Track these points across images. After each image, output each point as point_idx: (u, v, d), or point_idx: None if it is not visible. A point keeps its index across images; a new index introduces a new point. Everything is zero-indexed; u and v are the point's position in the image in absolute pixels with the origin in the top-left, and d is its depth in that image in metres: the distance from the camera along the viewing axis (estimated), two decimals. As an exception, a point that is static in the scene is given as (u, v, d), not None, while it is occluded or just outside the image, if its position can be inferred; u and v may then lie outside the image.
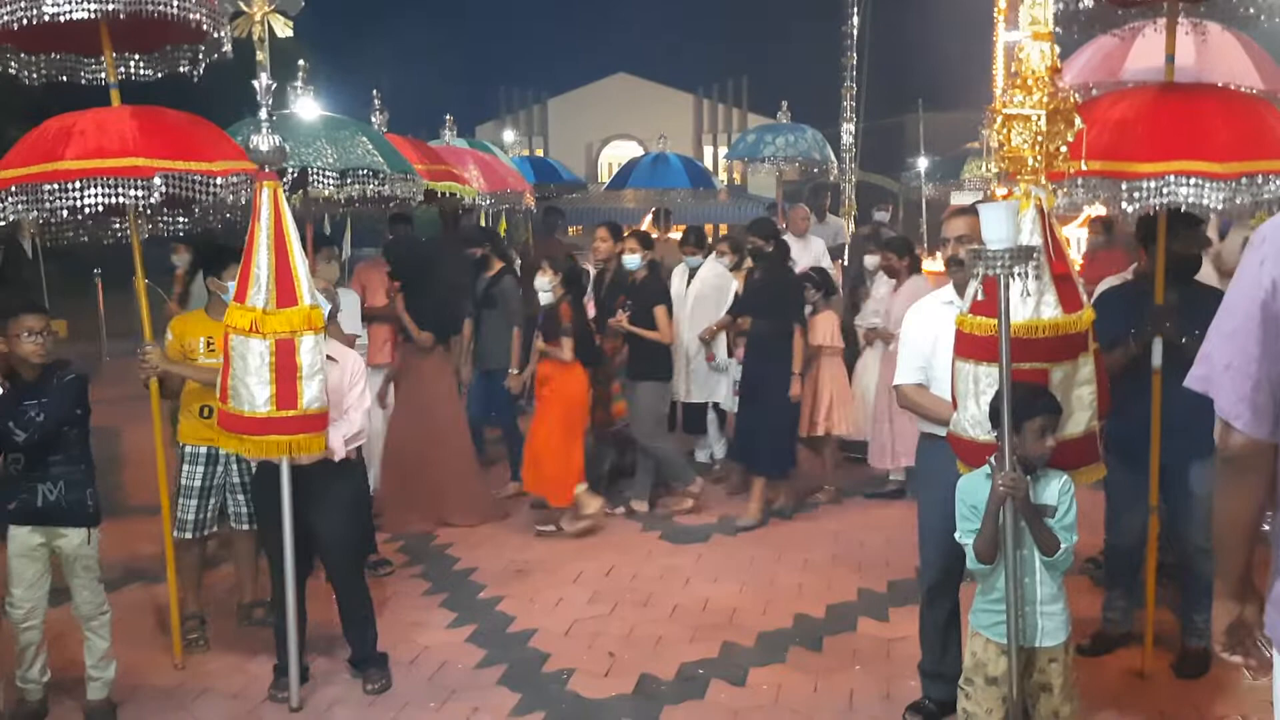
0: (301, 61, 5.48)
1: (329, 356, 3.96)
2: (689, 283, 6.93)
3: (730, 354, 6.82)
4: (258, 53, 3.71)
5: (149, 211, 4.33)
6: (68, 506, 3.72)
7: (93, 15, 3.72)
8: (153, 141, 3.87)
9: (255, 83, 3.75)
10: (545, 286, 6.05)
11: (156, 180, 3.77)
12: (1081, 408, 3.01)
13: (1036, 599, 2.97)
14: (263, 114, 3.77)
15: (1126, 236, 6.76)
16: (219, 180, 3.90)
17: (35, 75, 4.31)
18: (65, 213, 3.83)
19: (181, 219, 4.57)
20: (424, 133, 8.72)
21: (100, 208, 3.79)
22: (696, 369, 6.85)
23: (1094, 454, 3.11)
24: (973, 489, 3.02)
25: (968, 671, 3.12)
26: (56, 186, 3.73)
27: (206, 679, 4.21)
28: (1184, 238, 3.86)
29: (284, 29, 3.70)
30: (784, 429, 6.16)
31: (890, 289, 6.54)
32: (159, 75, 4.38)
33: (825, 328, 6.55)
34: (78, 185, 3.73)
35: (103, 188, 3.74)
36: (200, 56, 4.31)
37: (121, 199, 3.76)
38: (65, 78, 4.34)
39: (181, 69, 4.36)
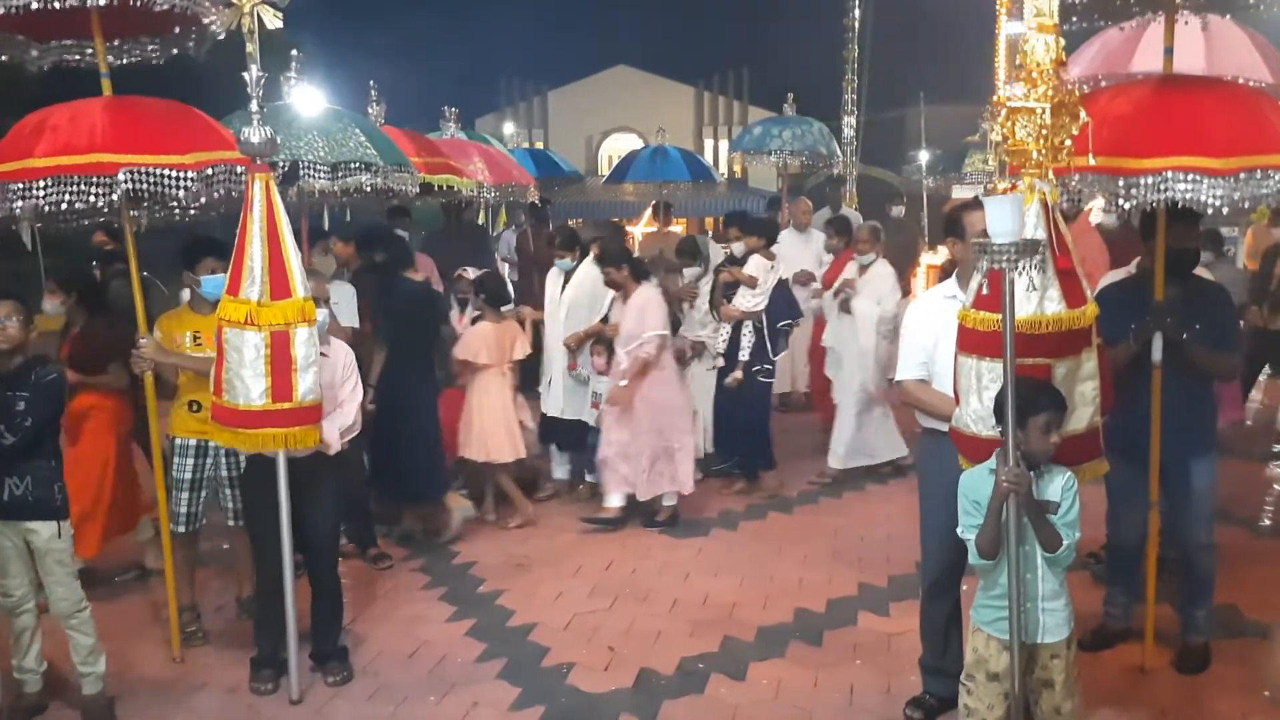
0: (295, 51, 5.45)
1: (320, 353, 3.95)
2: (563, 287, 6.43)
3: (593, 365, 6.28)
4: (247, 45, 3.67)
5: (144, 205, 4.30)
6: (34, 501, 3.68)
7: (80, 2, 3.67)
8: (121, 135, 3.78)
9: (245, 75, 3.72)
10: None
11: (121, 177, 3.69)
12: (1084, 403, 3.00)
13: (1039, 595, 2.96)
14: (253, 106, 3.73)
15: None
16: (191, 174, 3.79)
17: (42, 65, 4.27)
18: (39, 210, 3.74)
19: (190, 211, 4.53)
20: (423, 125, 8.68)
21: (69, 206, 3.70)
22: (569, 381, 6.36)
23: (1097, 450, 3.09)
24: (975, 484, 3.00)
25: (969, 667, 3.11)
26: (22, 186, 3.67)
27: (205, 672, 4.20)
28: (1180, 232, 3.84)
29: (273, 20, 3.66)
30: (412, 452, 5.60)
31: (620, 301, 6.02)
32: (156, 61, 4.32)
33: (480, 342, 5.89)
34: (43, 184, 3.65)
35: (65, 186, 3.66)
36: (196, 41, 4.25)
37: (86, 198, 3.67)
38: (63, 65, 4.30)
39: (179, 52, 4.31)
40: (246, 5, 3.66)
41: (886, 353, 6.68)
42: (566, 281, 6.43)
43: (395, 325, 5.59)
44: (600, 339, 6.18)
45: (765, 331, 6.44)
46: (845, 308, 6.79)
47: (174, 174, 3.77)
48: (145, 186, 3.73)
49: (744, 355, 6.45)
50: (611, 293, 6.17)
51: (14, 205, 3.70)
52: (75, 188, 3.67)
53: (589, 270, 6.40)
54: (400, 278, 5.76)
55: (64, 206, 3.69)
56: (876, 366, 6.73)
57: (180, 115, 4.11)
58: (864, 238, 6.91)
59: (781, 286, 6.56)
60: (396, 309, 5.63)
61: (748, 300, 6.46)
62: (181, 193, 3.79)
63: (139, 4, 3.72)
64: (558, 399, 6.40)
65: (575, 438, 6.43)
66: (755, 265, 6.51)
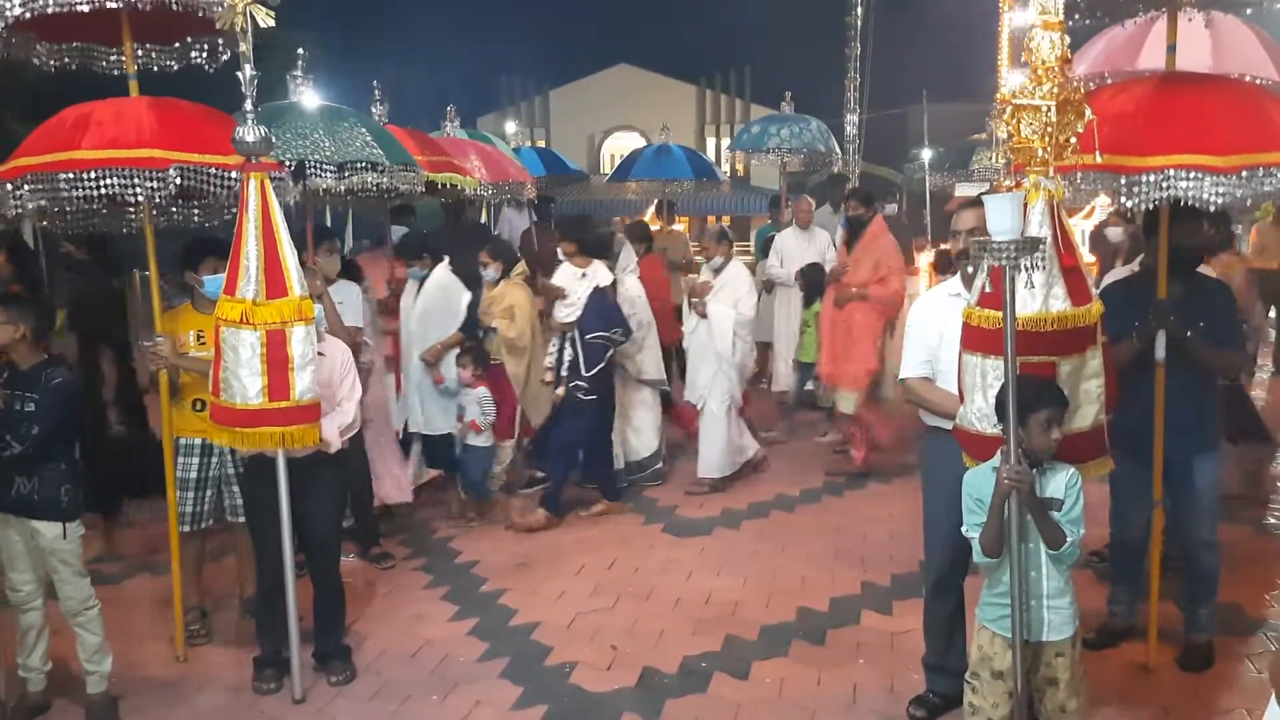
0: (301, 50, 5.45)
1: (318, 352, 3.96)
2: (416, 295, 6.20)
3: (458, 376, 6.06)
4: (240, 44, 3.69)
5: (162, 203, 4.32)
6: (40, 501, 3.68)
7: (117, 3, 3.75)
8: (169, 133, 3.89)
9: (239, 74, 3.73)
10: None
11: (172, 172, 3.79)
12: (1089, 401, 2.99)
13: (1043, 593, 2.95)
14: (247, 105, 3.75)
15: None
16: (234, 174, 3.89)
17: (54, 64, 4.31)
18: (80, 202, 3.85)
19: (195, 211, 4.56)
20: (425, 124, 8.69)
21: (119, 198, 3.83)
22: (430, 395, 6.14)
23: (1101, 447, 3.09)
24: (979, 482, 3.00)
25: (974, 665, 3.11)
26: (72, 176, 3.74)
27: (208, 671, 4.21)
28: (1183, 230, 3.83)
29: (266, 19, 3.67)
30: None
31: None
32: (175, 67, 4.38)
33: None
34: (93, 175, 3.74)
35: (118, 178, 3.75)
36: (220, 48, 4.31)
37: (137, 190, 3.77)
38: (77, 66, 4.34)
39: (198, 61, 4.37)
40: (240, 4, 3.66)
41: (745, 355, 6.64)
42: (419, 290, 6.19)
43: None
44: (465, 350, 6.02)
45: (579, 345, 6.08)
46: (701, 311, 6.60)
47: (219, 173, 3.89)
48: (193, 183, 3.83)
49: (564, 370, 6.14)
50: (466, 299, 6.10)
51: (62, 195, 3.78)
52: (127, 180, 3.76)
53: (441, 278, 6.20)
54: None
55: (121, 197, 3.80)
56: (736, 370, 6.61)
57: (215, 119, 4.19)
58: (706, 244, 6.68)
59: (596, 297, 6.09)
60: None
61: (560, 311, 6.15)
62: (225, 191, 3.92)
63: (171, 6, 3.79)
64: (416, 413, 6.17)
65: (443, 451, 6.23)
66: (563, 274, 6.21)
